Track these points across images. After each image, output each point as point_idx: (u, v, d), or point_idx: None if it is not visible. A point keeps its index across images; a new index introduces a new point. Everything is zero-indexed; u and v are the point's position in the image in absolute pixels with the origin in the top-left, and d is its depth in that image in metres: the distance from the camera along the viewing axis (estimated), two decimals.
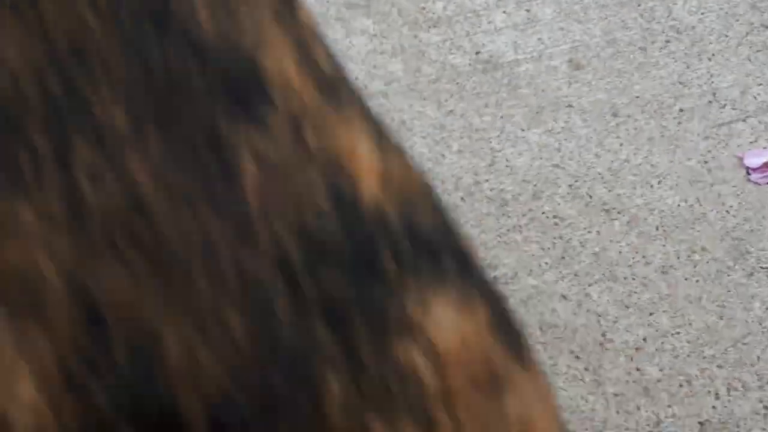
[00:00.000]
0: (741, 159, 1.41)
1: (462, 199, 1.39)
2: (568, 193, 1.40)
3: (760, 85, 1.51)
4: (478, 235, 1.34)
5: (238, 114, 0.65)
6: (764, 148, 1.44)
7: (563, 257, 1.34)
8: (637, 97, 1.47)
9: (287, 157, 0.64)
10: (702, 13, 1.58)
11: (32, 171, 0.64)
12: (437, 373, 0.59)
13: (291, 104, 0.66)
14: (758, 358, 1.25)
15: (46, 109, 0.65)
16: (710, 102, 1.48)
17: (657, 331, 1.27)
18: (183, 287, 0.58)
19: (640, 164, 1.42)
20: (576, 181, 1.41)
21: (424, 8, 1.51)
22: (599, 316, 1.28)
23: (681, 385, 1.22)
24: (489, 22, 1.52)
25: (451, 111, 1.45)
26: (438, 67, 1.46)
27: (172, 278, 0.59)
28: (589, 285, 1.32)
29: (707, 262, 1.35)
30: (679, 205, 1.40)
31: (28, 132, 0.65)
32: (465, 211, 1.37)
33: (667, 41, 1.54)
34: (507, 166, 1.41)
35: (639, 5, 1.58)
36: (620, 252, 1.35)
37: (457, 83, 1.46)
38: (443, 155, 1.41)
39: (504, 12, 1.54)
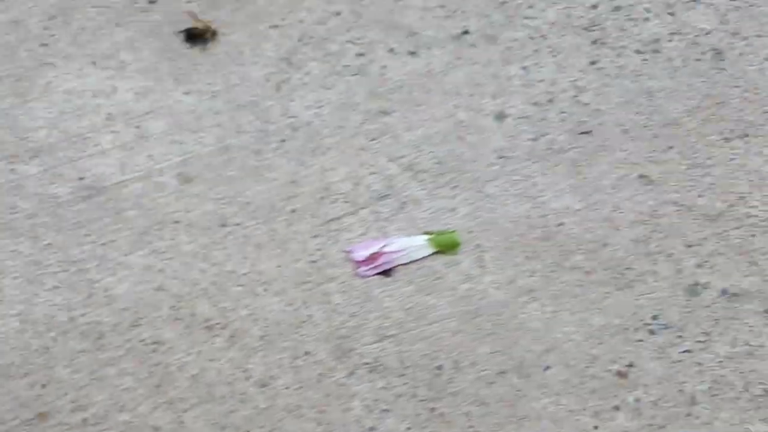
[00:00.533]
0: (350, 252, 1.42)
1: (54, 339, 1.36)
2: (169, 316, 1.39)
3: (373, 174, 1.52)
4: (69, 376, 1.32)
5: None
6: (373, 239, 1.44)
7: (160, 385, 1.33)
8: (248, 203, 1.48)
9: None
10: (319, 107, 1.59)
11: None
12: None
13: None
14: None
15: None
16: (322, 198, 1.49)
17: None
18: None
19: (246, 273, 1.42)
20: (179, 301, 1.40)
21: (25, 138, 1.49)
22: None
23: None
24: (95, 146, 1.51)
25: (48, 245, 1.43)
26: (36, 200, 1.44)
27: None
28: (185, 411, 1.31)
29: (310, 367, 1.35)
30: (284, 311, 1.40)
31: None
32: (56, 352, 1.34)
33: (283, 141, 1.55)
34: (106, 297, 1.40)
35: (256, 107, 1.58)
36: (220, 370, 1.34)
37: (57, 215, 1.43)
38: (37, 294, 1.39)
39: (112, 132, 1.52)
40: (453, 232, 1.46)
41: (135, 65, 1.63)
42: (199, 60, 1.65)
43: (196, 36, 1.65)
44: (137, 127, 1.56)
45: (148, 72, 1.63)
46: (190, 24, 1.66)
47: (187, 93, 1.61)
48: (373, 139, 1.58)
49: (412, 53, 1.68)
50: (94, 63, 1.62)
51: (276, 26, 1.71)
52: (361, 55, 1.68)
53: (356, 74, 1.66)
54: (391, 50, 1.69)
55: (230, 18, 1.70)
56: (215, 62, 1.65)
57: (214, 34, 1.66)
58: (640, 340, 1.42)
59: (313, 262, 1.45)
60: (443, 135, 1.59)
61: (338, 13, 1.73)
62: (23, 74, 1.59)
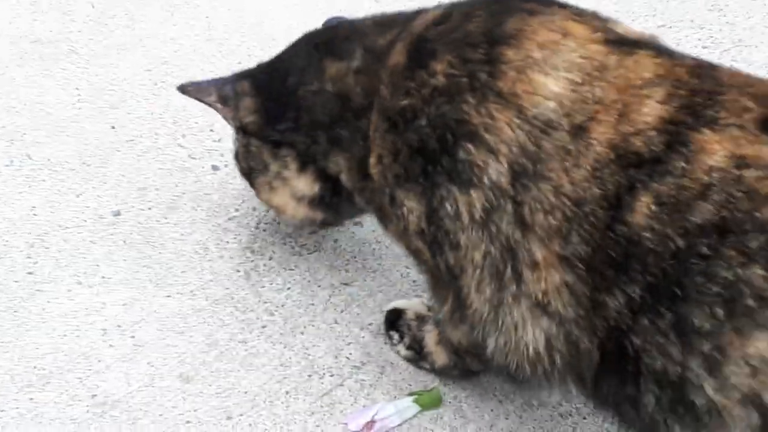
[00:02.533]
0: (346, 425, 1.62)
1: None
2: None
3: (350, 344, 1.74)
4: None
5: None
6: (363, 406, 1.65)
7: None
8: (246, 392, 1.66)
9: None
10: (288, 288, 1.81)
11: None
12: None
13: None
14: None
15: None
16: (310, 376, 1.69)
17: None
18: None
19: None
20: None
21: (35, 366, 1.65)
22: None
23: None
24: (99, 361, 1.68)
25: None
26: (58, 424, 1.66)
27: None
28: None
29: None
30: None
31: None
32: None
33: (264, 326, 1.75)
34: None
35: (232, 298, 1.78)
36: None
37: None
38: None
39: (111, 346, 1.70)
40: (434, 389, 1.69)
41: (116, 277, 1.83)
42: (172, 262, 1.86)
43: None
44: (132, 336, 1.74)
45: (130, 282, 1.82)
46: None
47: (168, 296, 1.81)
48: (342, 311, 1.80)
49: (357, 223, 1.93)
50: (79, 282, 1.81)
51: (232, 218, 1.94)
52: (313, 232, 1.92)
53: (314, 252, 1.89)
54: None
55: (190, 216, 1.92)
56: (187, 261, 1.86)
57: None
58: None
59: None
60: (402, 296, 1.83)
61: None
62: (18, 305, 1.76)
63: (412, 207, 1.34)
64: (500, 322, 1.28)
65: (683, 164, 1.13)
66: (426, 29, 1.30)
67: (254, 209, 1.90)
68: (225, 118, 1.61)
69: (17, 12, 2.19)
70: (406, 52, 1.30)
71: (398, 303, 1.68)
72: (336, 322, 1.74)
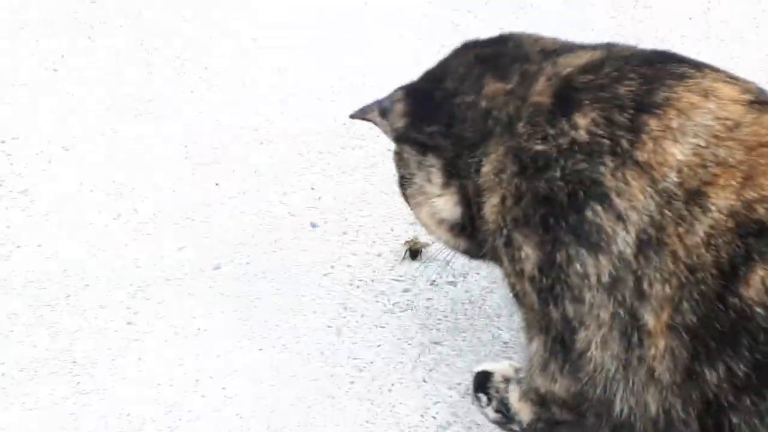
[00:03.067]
0: None
1: None
2: None
3: (437, 403, 1.74)
4: None
5: None
6: None
7: None
8: None
9: None
10: (378, 345, 1.82)
11: None
12: None
13: None
14: None
15: None
16: None
17: None
18: None
19: None
20: None
21: (128, 414, 1.70)
22: None
23: None
24: (189, 411, 1.73)
25: None
26: None
27: None
28: None
29: None
30: None
31: None
32: None
33: (352, 382, 1.77)
34: None
35: (323, 353, 1.81)
36: None
37: None
38: None
39: (202, 396, 1.74)
40: None
41: (212, 329, 1.87)
42: (266, 316, 1.89)
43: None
44: (223, 388, 1.77)
45: (224, 334, 1.86)
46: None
47: (260, 349, 1.84)
48: (431, 370, 1.80)
49: (451, 282, 1.93)
50: (176, 333, 1.86)
51: (327, 274, 1.96)
52: (406, 290, 1.92)
53: (406, 310, 1.90)
54: (433, 282, 1.94)
55: (286, 272, 1.96)
56: (280, 316, 1.89)
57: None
58: None
59: None
60: (492, 357, 1.82)
61: (380, 254, 1.99)
62: (116, 354, 1.82)
63: (528, 254, 1.34)
64: (630, 382, 1.26)
65: None
66: (575, 75, 1.28)
67: (349, 266, 1.92)
68: (385, 133, 1.61)
69: (130, 71, 2.28)
70: (552, 94, 1.28)
71: (487, 365, 1.68)
72: (424, 381, 1.74)
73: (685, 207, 1.12)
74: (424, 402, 1.71)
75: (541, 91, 1.29)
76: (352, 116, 1.65)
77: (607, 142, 1.19)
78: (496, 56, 1.41)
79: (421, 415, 1.70)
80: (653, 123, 1.18)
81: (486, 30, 1.68)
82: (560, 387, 1.47)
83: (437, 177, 1.48)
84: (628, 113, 1.19)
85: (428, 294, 1.86)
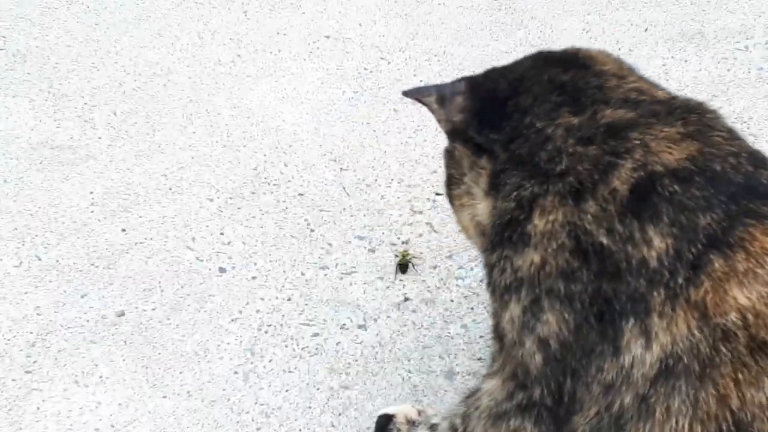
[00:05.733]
0: None
1: None
2: None
3: None
4: None
5: None
6: None
7: None
8: None
9: None
10: (286, 390, 1.77)
11: None
12: None
13: None
14: None
15: None
16: None
17: None
18: None
19: None
20: None
21: None
22: None
23: None
24: None
25: None
26: None
27: None
28: None
29: None
30: None
31: None
32: None
33: (258, 428, 1.71)
34: None
35: (228, 399, 1.75)
36: None
37: None
38: None
39: None
40: None
41: (114, 377, 1.81)
42: (171, 362, 1.84)
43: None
44: None
45: (126, 382, 1.80)
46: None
47: (164, 396, 1.78)
48: (339, 414, 1.76)
49: (362, 326, 1.89)
50: (76, 381, 1.79)
51: (235, 319, 1.92)
52: (316, 335, 1.88)
53: (315, 354, 1.86)
54: (343, 326, 1.90)
55: (192, 317, 1.90)
56: (185, 362, 1.84)
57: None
58: None
59: None
60: (402, 400, 1.78)
61: (289, 299, 1.95)
62: (13, 404, 1.75)
63: (552, 325, 1.23)
64: None
65: None
66: (664, 177, 1.13)
67: (258, 311, 1.88)
68: (438, 121, 1.49)
69: (40, 119, 2.26)
70: (632, 186, 1.13)
71: (389, 409, 1.65)
72: (333, 426, 1.70)
73: (750, 354, 0.97)
74: None
75: (622, 178, 1.15)
76: (405, 93, 1.51)
77: (666, 272, 1.07)
78: (576, 89, 1.28)
79: None
80: (718, 264, 1.04)
81: None
82: None
83: (484, 182, 1.36)
84: (699, 247, 1.06)
85: (338, 338, 1.83)
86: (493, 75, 1.44)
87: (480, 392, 1.35)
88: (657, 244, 1.08)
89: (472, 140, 1.39)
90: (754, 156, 1.14)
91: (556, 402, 1.24)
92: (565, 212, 1.20)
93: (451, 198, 1.49)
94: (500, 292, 1.30)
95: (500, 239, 1.31)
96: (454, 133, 1.44)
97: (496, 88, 1.39)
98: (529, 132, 1.31)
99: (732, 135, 1.22)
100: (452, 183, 1.47)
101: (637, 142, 1.19)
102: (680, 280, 1.07)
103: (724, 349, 1.01)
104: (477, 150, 1.39)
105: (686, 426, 1.03)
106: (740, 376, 0.97)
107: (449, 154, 1.47)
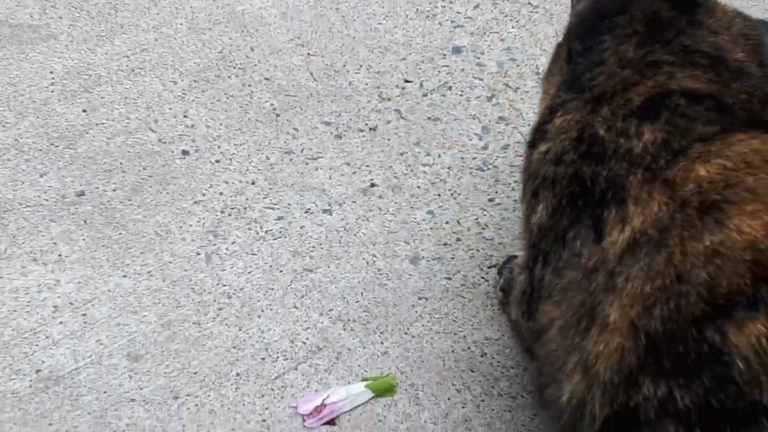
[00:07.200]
0: (296, 408, 1.55)
1: None
2: None
3: (307, 329, 1.67)
4: None
5: None
6: (315, 391, 1.58)
7: None
8: (195, 373, 1.60)
9: None
10: (249, 272, 1.74)
11: None
12: None
13: None
14: None
15: None
16: (263, 359, 1.62)
17: None
18: None
19: None
20: None
21: None
22: None
23: None
24: (47, 337, 1.63)
25: None
26: None
27: None
28: None
29: None
30: None
31: None
32: None
33: (220, 309, 1.69)
34: None
35: (190, 280, 1.72)
36: None
37: (20, 409, 1.54)
38: None
39: (61, 322, 1.64)
40: (388, 375, 1.61)
41: (73, 256, 1.78)
42: (132, 243, 1.81)
43: None
44: (83, 315, 1.69)
45: (86, 261, 1.77)
46: None
47: (125, 276, 1.76)
48: (302, 296, 1.74)
49: (327, 211, 1.86)
50: (35, 259, 1.76)
51: (198, 202, 1.88)
52: (280, 218, 1.85)
53: (279, 237, 1.83)
54: (308, 210, 1.87)
55: (154, 199, 1.87)
56: (147, 243, 1.81)
57: None
58: None
59: (263, 421, 1.59)
60: (365, 284, 1.76)
61: (254, 182, 1.91)
62: None
63: (541, 212, 1.31)
64: (566, 368, 1.19)
65: None
66: (679, 93, 1.24)
67: (221, 194, 1.84)
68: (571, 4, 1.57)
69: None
70: (645, 98, 1.24)
71: (519, 252, 1.61)
72: (295, 307, 1.67)
73: (698, 216, 1.03)
74: (294, 328, 1.65)
75: (639, 92, 1.23)
76: None
77: (649, 158, 1.13)
78: (661, 27, 1.33)
79: (291, 341, 1.63)
80: (697, 148, 1.10)
81: None
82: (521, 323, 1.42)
83: (554, 88, 1.42)
84: (686, 142, 1.12)
85: (303, 222, 1.80)
86: None
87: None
88: (647, 137, 1.15)
89: (568, 44, 1.43)
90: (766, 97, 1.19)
91: (530, 290, 1.31)
92: (582, 114, 1.27)
93: (542, 88, 1.51)
94: (522, 187, 1.39)
95: (532, 140, 1.40)
96: (567, 34, 1.48)
97: (608, 2, 1.41)
98: (594, 52, 1.36)
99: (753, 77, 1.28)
100: (547, 75, 1.51)
101: (666, 71, 1.25)
102: (661, 163, 1.12)
103: (678, 216, 1.06)
104: (568, 56, 1.43)
105: (639, 287, 1.08)
106: (685, 233, 1.04)
107: (557, 47, 1.50)
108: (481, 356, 1.62)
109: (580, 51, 1.36)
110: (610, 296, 1.13)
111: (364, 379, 1.59)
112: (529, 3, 2.28)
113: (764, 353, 0.96)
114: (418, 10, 2.25)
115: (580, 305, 1.18)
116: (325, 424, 1.54)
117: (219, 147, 1.95)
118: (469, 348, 1.64)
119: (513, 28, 2.22)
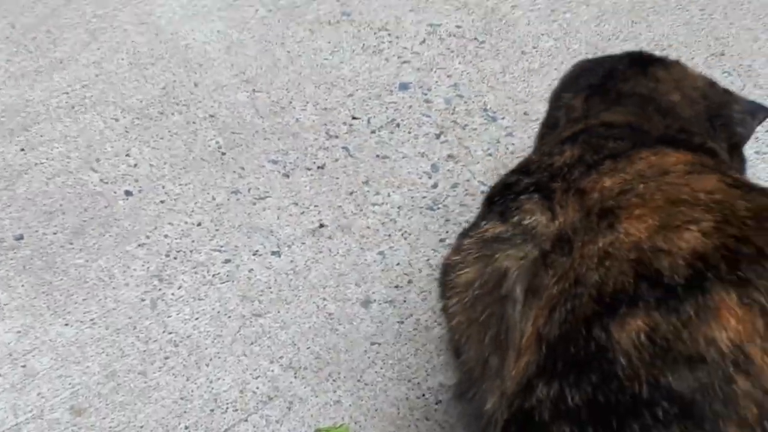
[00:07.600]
0: None
1: None
2: None
3: (258, 378, 1.61)
4: None
5: None
6: None
7: None
8: (142, 427, 1.54)
9: None
10: (196, 319, 1.68)
11: None
12: None
13: None
14: None
15: None
16: (212, 410, 1.57)
17: None
18: None
19: None
20: None
21: None
22: None
23: None
24: None
25: None
26: None
27: None
28: None
29: None
30: None
31: None
32: None
33: (166, 357, 1.62)
34: None
35: (135, 328, 1.66)
36: None
37: None
38: None
39: (0, 375, 1.57)
40: (342, 426, 1.57)
41: (12, 304, 1.71)
42: (73, 289, 1.74)
43: None
44: (23, 366, 1.62)
45: (26, 309, 1.70)
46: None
47: (66, 324, 1.69)
48: (252, 343, 1.69)
49: (275, 253, 1.82)
50: None
51: (142, 245, 1.82)
52: (227, 261, 1.80)
53: (226, 281, 1.78)
54: (255, 253, 1.82)
55: (96, 242, 1.80)
56: (89, 289, 1.74)
57: None
58: None
59: None
60: (316, 329, 1.71)
61: (200, 224, 1.86)
62: None
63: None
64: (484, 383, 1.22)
65: (692, 314, 0.97)
66: (598, 125, 1.45)
67: (166, 236, 1.78)
68: None
69: None
70: (571, 133, 1.42)
71: None
72: (244, 355, 1.62)
73: (597, 220, 1.09)
74: (244, 377, 1.60)
75: (567, 129, 1.45)
76: None
77: (565, 170, 1.23)
78: (613, 76, 1.56)
79: (240, 391, 1.58)
80: (607, 163, 1.20)
81: None
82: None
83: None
84: (598, 157, 1.22)
85: (251, 265, 1.74)
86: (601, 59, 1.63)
87: None
88: (567, 153, 1.28)
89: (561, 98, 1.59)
90: (684, 128, 1.38)
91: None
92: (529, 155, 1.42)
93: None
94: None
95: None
96: None
97: (592, 67, 1.59)
98: (557, 104, 1.57)
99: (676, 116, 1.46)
100: (543, 124, 1.63)
101: (598, 112, 1.45)
102: (576, 174, 1.22)
103: (584, 222, 1.14)
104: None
105: (554, 287, 1.13)
106: (586, 237, 1.09)
107: None
108: (436, 404, 1.59)
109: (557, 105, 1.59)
110: (532, 303, 1.16)
111: (317, 431, 1.54)
112: (476, 38, 2.26)
113: (643, 348, 0.97)
114: (364, 45, 2.21)
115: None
116: None
117: (163, 187, 1.89)
118: (423, 395, 1.60)
119: (460, 63, 2.19)
